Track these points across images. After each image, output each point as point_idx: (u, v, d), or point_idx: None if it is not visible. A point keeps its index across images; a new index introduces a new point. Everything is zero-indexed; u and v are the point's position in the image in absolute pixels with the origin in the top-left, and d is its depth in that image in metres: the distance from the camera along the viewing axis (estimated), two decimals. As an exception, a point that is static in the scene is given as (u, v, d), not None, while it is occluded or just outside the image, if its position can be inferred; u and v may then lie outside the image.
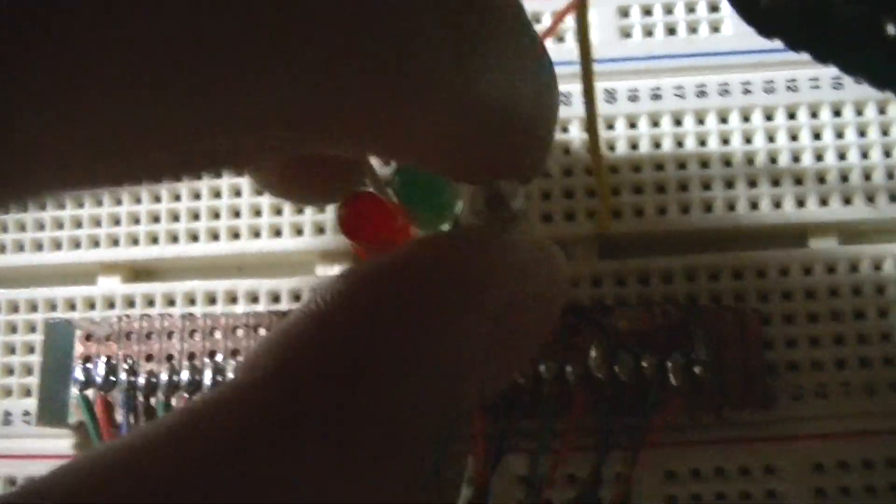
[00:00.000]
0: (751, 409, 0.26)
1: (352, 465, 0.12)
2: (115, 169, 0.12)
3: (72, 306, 0.30)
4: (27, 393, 0.29)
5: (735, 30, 0.29)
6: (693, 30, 0.30)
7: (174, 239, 0.30)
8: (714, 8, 0.30)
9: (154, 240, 0.30)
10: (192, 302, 0.29)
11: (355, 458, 0.13)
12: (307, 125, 0.13)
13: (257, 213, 0.30)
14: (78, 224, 0.30)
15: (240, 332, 0.28)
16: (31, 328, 0.30)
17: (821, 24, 0.18)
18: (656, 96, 0.29)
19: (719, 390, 0.25)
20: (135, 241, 0.30)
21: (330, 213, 0.29)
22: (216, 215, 0.30)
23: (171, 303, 0.29)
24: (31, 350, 0.29)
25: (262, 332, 0.28)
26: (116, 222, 0.30)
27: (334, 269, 0.29)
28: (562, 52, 0.29)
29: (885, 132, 0.28)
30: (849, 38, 0.18)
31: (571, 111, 0.28)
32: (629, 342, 0.26)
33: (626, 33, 0.30)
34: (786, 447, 0.26)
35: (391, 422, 0.13)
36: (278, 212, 0.30)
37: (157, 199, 0.30)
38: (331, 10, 0.12)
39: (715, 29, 0.30)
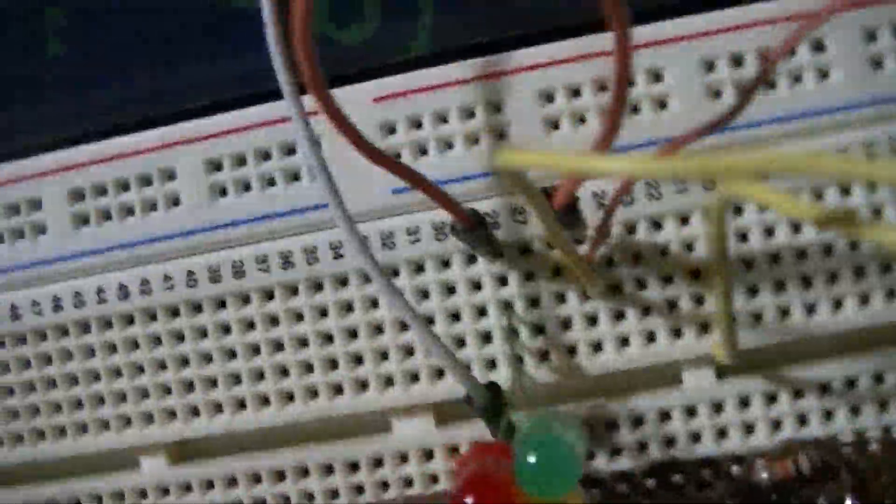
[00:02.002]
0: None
1: None
2: None
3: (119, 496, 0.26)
4: None
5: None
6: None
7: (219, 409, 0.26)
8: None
9: (196, 412, 0.26)
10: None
11: None
12: None
13: (309, 368, 0.26)
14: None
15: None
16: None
17: None
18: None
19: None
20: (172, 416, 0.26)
21: (396, 364, 0.25)
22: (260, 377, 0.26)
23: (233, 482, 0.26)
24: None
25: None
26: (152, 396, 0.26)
27: (414, 425, 0.25)
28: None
29: None
30: None
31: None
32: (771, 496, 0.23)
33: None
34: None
35: None
36: (333, 364, 0.25)
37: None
38: None
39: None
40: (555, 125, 0.25)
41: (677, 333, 0.25)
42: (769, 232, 0.24)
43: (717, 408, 0.25)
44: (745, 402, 0.25)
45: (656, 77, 0.25)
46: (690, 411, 0.25)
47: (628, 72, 0.17)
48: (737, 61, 0.24)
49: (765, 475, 0.23)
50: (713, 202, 0.18)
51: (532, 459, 0.19)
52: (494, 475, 0.19)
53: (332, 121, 0.19)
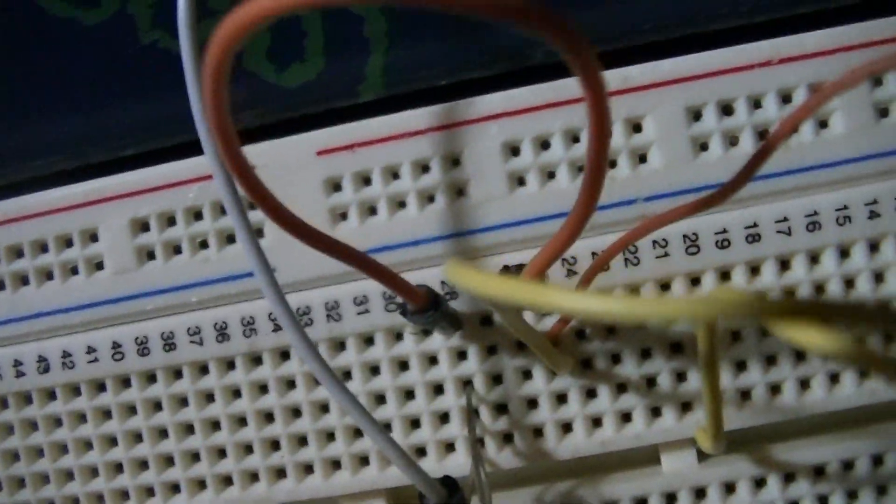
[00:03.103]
0: None
1: None
2: None
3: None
4: None
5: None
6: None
7: None
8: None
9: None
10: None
11: None
12: None
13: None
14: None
15: None
16: None
17: None
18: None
19: None
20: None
21: (344, 446, 0.22)
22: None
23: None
24: None
25: None
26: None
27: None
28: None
29: None
30: None
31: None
32: None
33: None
34: None
35: None
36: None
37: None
38: None
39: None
40: (520, 181, 0.22)
41: (656, 413, 0.22)
42: (758, 302, 0.22)
43: (700, 494, 0.22)
44: (730, 488, 0.22)
45: (635, 128, 0.22)
46: (670, 498, 0.22)
47: (607, 123, 0.14)
48: (726, 109, 0.22)
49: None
50: (702, 320, 0.15)
51: None
52: None
53: (252, 196, 0.16)
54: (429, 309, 0.20)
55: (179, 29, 0.19)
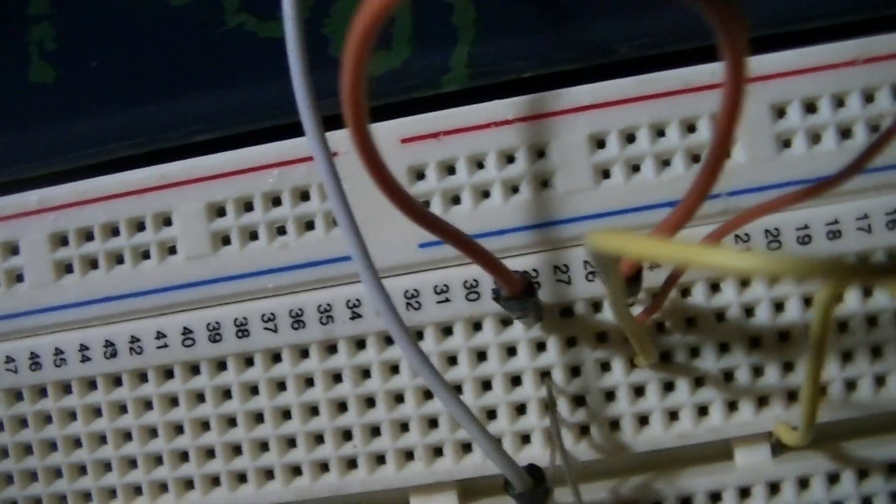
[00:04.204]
0: None
1: None
2: None
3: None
4: None
5: None
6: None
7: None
8: None
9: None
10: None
11: None
12: None
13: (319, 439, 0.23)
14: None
15: None
16: None
17: None
18: None
19: None
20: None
21: (418, 436, 0.22)
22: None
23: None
24: None
25: None
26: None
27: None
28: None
29: None
30: None
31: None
32: None
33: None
34: None
35: None
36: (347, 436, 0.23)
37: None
38: None
39: None
40: (606, 173, 0.22)
41: (733, 407, 0.22)
42: (838, 297, 0.22)
43: (774, 489, 0.22)
44: (804, 484, 0.22)
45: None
46: (744, 492, 0.22)
47: (737, 113, 0.14)
48: (809, 107, 0.22)
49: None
50: (821, 296, 0.15)
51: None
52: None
53: (371, 170, 0.16)
54: (523, 296, 0.20)
55: (284, 9, 0.19)
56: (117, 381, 0.23)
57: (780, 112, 0.22)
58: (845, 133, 0.22)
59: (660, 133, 0.22)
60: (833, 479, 0.22)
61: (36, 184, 0.23)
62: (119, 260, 0.23)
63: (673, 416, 0.22)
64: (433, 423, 0.23)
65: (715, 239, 0.19)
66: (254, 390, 0.23)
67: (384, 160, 0.16)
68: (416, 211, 0.17)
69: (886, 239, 0.22)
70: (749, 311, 0.22)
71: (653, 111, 0.22)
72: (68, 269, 0.23)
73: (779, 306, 0.22)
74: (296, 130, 0.22)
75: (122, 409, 0.23)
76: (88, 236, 0.23)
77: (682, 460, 0.23)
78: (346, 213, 0.19)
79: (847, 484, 0.22)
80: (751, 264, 0.12)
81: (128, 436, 0.23)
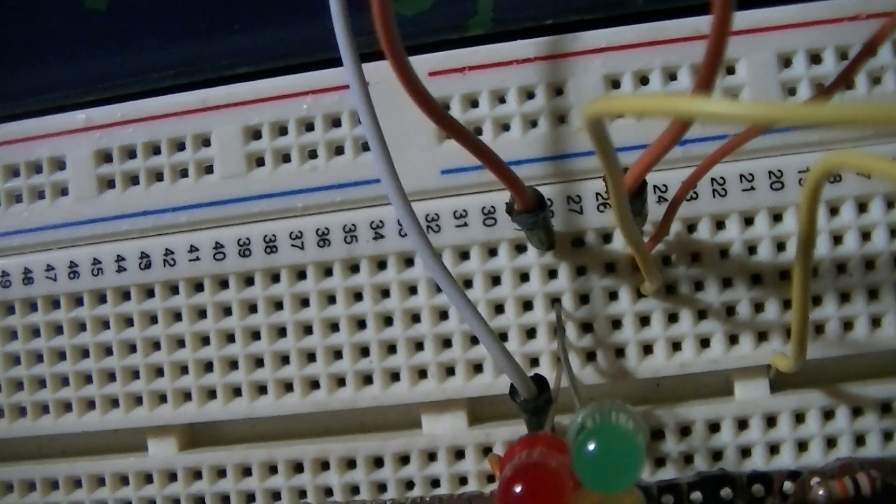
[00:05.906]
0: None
1: None
2: None
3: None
4: None
5: None
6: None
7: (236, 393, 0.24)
8: None
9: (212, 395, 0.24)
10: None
11: None
12: None
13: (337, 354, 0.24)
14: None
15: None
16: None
17: None
18: None
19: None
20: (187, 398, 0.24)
21: (431, 355, 0.23)
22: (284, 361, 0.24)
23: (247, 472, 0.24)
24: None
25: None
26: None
27: (445, 421, 0.24)
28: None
29: None
30: None
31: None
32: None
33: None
34: None
35: None
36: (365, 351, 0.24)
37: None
38: None
39: None
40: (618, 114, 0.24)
41: (733, 340, 0.23)
42: (837, 239, 0.23)
43: (771, 421, 0.23)
44: (799, 418, 0.23)
45: (729, 70, 0.23)
46: (742, 424, 0.23)
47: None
48: (814, 58, 0.23)
49: (821, 493, 0.22)
50: (809, 172, 0.16)
51: (592, 447, 0.17)
52: (545, 465, 0.18)
53: (406, 84, 0.18)
54: (534, 209, 0.21)
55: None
56: (150, 293, 0.24)
57: (786, 62, 0.23)
58: (848, 85, 0.23)
59: (671, 77, 0.23)
60: (828, 414, 0.23)
61: (82, 109, 0.25)
62: (159, 177, 0.25)
63: (676, 346, 0.23)
64: (447, 342, 0.24)
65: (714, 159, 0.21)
66: (278, 305, 0.24)
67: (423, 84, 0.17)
68: (436, 112, 0.18)
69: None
70: (752, 248, 0.23)
71: (665, 55, 0.23)
72: (110, 184, 0.25)
73: (780, 246, 0.23)
74: (329, 65, 0.23)
75: (153, 319, 0.24)
76: (131, 154, 0.25)
77: (684, 394, 0.24)
78: (379, 138, 0.20)
79: (841, 420, 0.23)
80: (738, 111, 0.13)
81: (156, 345, 0.24)
